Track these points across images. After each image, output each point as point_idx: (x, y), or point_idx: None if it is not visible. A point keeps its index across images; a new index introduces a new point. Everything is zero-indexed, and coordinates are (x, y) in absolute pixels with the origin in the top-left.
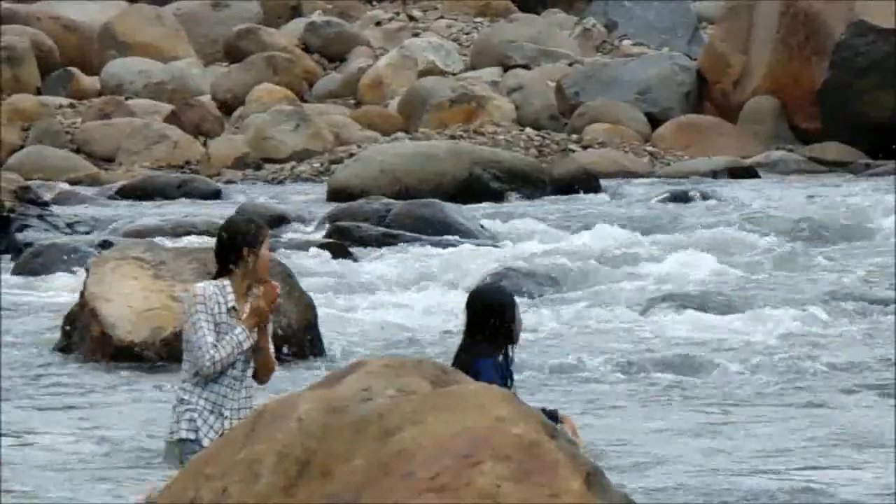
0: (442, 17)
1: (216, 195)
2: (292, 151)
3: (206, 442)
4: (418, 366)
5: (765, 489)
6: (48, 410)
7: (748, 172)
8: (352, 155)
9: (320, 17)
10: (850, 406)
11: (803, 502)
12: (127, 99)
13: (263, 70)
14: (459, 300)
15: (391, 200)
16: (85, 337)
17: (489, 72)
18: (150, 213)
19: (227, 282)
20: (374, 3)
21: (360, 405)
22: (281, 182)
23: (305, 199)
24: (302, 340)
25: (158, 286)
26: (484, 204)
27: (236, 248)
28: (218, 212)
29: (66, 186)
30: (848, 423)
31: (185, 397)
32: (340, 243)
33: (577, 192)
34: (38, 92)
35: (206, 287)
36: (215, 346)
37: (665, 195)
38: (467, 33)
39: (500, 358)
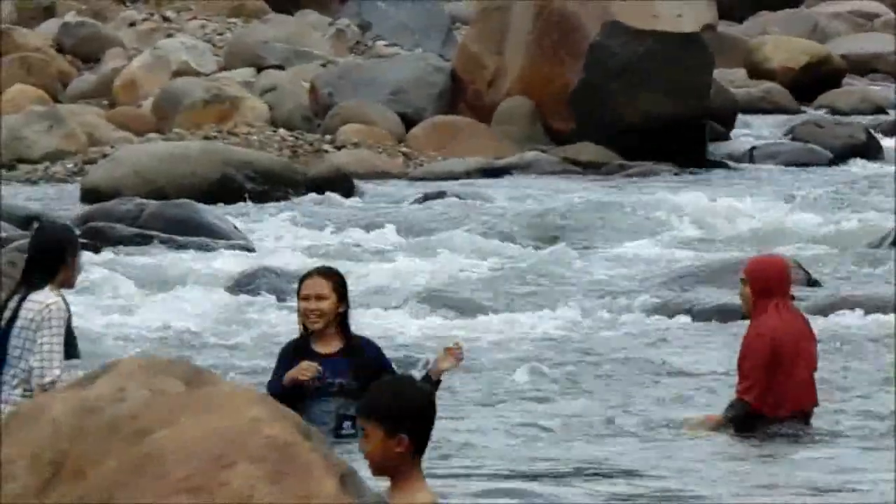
0: (195, 18)
1: None
2: (46, 152)
3: None
4: (172, 366)
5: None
6: None
7: (502, 173)
8: (105, 155)
9: (74, 18)
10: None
11: None
12: None
13: (17, 70)
14: (212, 300)
15: (144, 201)
16: None
17: (243, 72)
18: None
19: (58, 290)
20: (128, 4)
21: (114, 406)
22: (35, 183)
23: (59, 200)
24: None
25: None
26: (237, 205)
27: (62, 256)
28: None
29: None
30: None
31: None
32: (93, 243)
33: (330, 192)
34: None
35: (58, 299)
36: (60, 366)
37: (419, 195)
38: (221, 34)
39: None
